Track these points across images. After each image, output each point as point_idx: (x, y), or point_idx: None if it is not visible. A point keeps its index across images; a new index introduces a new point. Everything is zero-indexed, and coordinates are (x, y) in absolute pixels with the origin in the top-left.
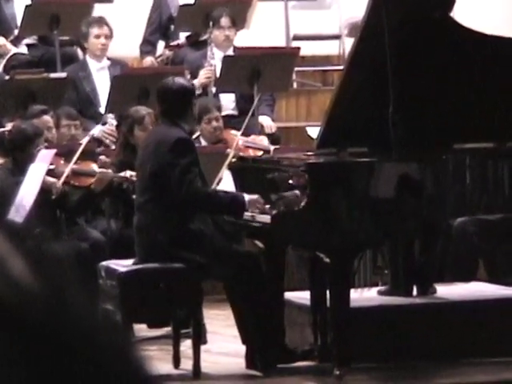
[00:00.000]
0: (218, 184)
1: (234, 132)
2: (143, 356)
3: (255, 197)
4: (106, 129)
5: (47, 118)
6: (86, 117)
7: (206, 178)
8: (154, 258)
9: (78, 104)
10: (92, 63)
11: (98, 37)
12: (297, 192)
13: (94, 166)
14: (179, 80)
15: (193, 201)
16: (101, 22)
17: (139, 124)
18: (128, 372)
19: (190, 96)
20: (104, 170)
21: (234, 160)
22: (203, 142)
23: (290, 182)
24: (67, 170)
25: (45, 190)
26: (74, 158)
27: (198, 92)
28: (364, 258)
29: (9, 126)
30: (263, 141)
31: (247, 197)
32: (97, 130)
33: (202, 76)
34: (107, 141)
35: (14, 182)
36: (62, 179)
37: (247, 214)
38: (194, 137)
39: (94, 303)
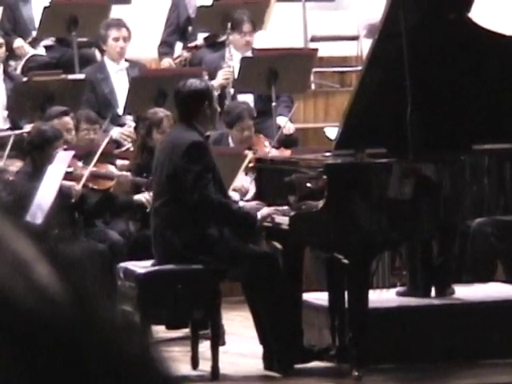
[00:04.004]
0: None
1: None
2: (165, 357)
3: (268, 211)
4: (124, 130)
5: (67, 120)
6: (104, 118)
7: (223, 181)
8: (171, 259)
9: (97, 105)
10: (110, 65)
11: (116, 39)
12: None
13: (113, 169)
14: (192, 82)
15: (204, 208)
16: (119, 24)
17: (157, 127)
18: (150, 374)
19: (203, 97)
20: (124, 172)
21: (250, 165)
22: (231, 144)
23: (309, 185)
24: (87, 173)
25: (63, 194)
26: (94, 161)
27: (215, 93)
28: (382, 259)
29: (27, 128)
30: None
31: (259, 215)
32: (115, 132)
33: (220, 77)
34: (125, 142)
35: (32, 183)
36: (82, 182)
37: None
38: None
39: (114, 306)
